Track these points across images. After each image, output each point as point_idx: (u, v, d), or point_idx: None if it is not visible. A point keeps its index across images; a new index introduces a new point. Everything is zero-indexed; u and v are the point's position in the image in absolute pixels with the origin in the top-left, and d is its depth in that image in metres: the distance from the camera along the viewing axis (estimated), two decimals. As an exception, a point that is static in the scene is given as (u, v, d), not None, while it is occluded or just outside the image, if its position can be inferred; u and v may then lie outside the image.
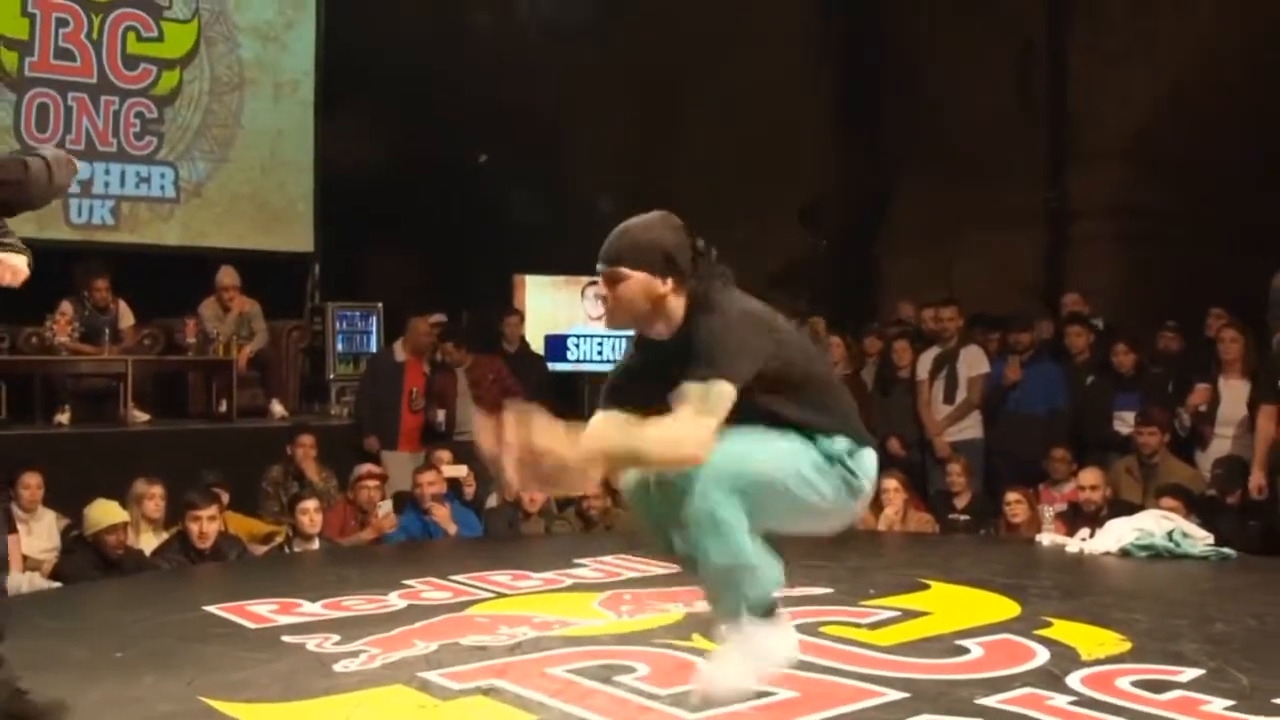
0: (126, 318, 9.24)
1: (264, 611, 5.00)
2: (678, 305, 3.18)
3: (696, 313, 3.15)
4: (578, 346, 10.36)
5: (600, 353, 10.42)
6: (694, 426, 2.92)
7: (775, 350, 3.12)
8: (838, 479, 3.23)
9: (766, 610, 3.17)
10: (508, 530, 7.43)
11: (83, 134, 10.03)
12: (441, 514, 7.33)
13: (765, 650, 3.17)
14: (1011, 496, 7.67)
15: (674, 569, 5.76)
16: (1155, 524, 6.57)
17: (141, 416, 9.02)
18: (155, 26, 10.37)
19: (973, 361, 8.68)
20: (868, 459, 3.30)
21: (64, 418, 8.71)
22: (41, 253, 9.69)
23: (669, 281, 3.15)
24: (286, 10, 10.99)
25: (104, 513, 6.34)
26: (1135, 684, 3.94)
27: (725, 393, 2.94)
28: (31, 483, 6.99)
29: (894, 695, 3.80)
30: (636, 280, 3.16)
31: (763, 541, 3.16)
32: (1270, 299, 8.40)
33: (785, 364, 3.14)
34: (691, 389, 2.93)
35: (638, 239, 3.22)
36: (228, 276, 9.68)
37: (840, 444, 3.23)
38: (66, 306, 8.85)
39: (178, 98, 10.50)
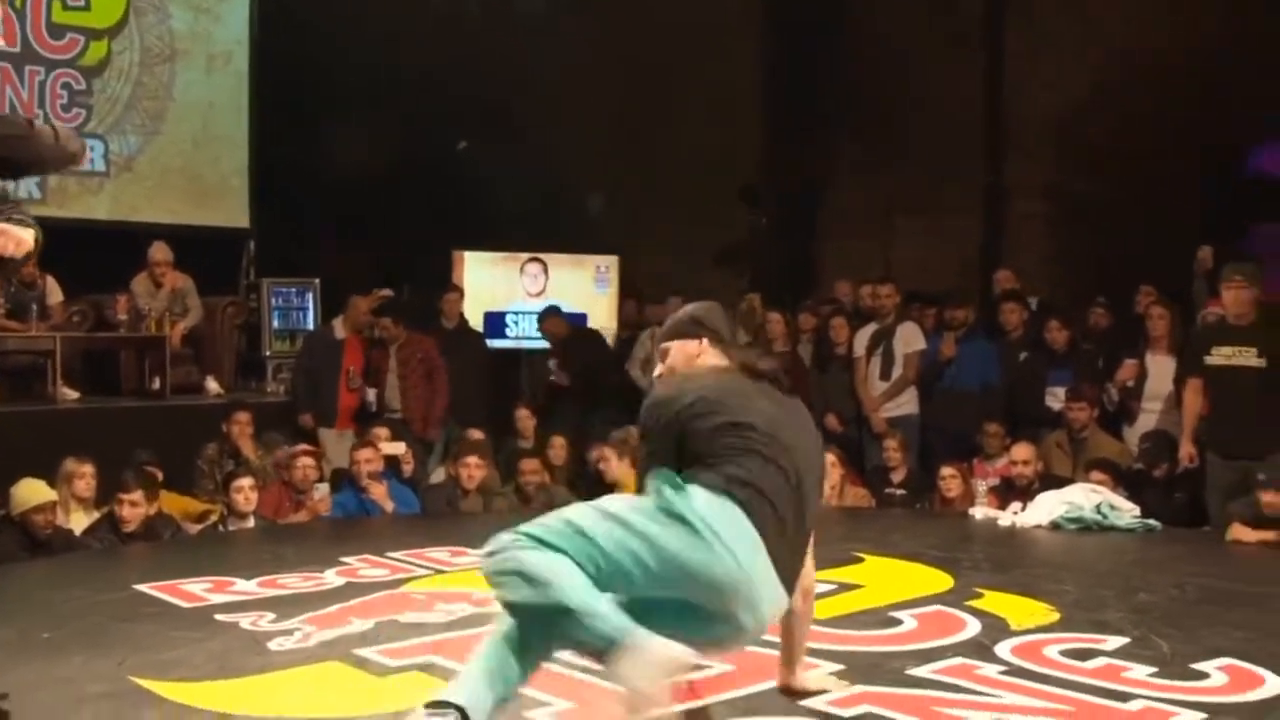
0: (55, 294, 9.08)
1: (197, 590, 4.95)
2: None
3: None
4: (516, 323, 10.35)
5: (539, 329, 10.40)
6: None
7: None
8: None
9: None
10: (445, 507, 7.40)
11: (6, 105, 9.78)
12: (379, 491, 7.28)
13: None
14: (946, 471, 7.75)
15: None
16: (1084, 497, 6.68)
17: (71, 394, 8.88)
18: (82, -6, 10.17)
19: (909, 338, 8.74)
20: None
21: (-11, 396, 8.58)
22: (-35, 228, 9.53)
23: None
24: (219, -22, 10.82)
25: (31, 492, 6.23)
26: (1063, 653, 4.01)
27: None
28: (-44, 462, 6.88)
29: (829, 666, 3.82)
30: None
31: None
32: (1195, 273, 8.57)
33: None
34: None
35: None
36: (160, 252, 9.53)
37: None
38: (-9, 282, 8.74)
39: (107, 69, 10.32)
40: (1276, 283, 9.14)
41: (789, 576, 3.07)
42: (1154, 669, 3.84)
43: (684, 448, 3.09)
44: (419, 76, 10.74)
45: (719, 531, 2.90)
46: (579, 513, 3.06)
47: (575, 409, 9.48)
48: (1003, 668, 3.85)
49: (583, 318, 10.47)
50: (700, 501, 2.95)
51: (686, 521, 2.91)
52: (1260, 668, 3.84)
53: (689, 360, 3.36)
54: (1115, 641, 4.14)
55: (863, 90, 12.08)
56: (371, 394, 8.75)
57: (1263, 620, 4.49)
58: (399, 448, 7.93)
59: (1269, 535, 5.97)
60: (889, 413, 8.66)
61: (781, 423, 3.17)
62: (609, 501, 3.13)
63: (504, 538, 3.02)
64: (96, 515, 6.69)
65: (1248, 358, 6.74)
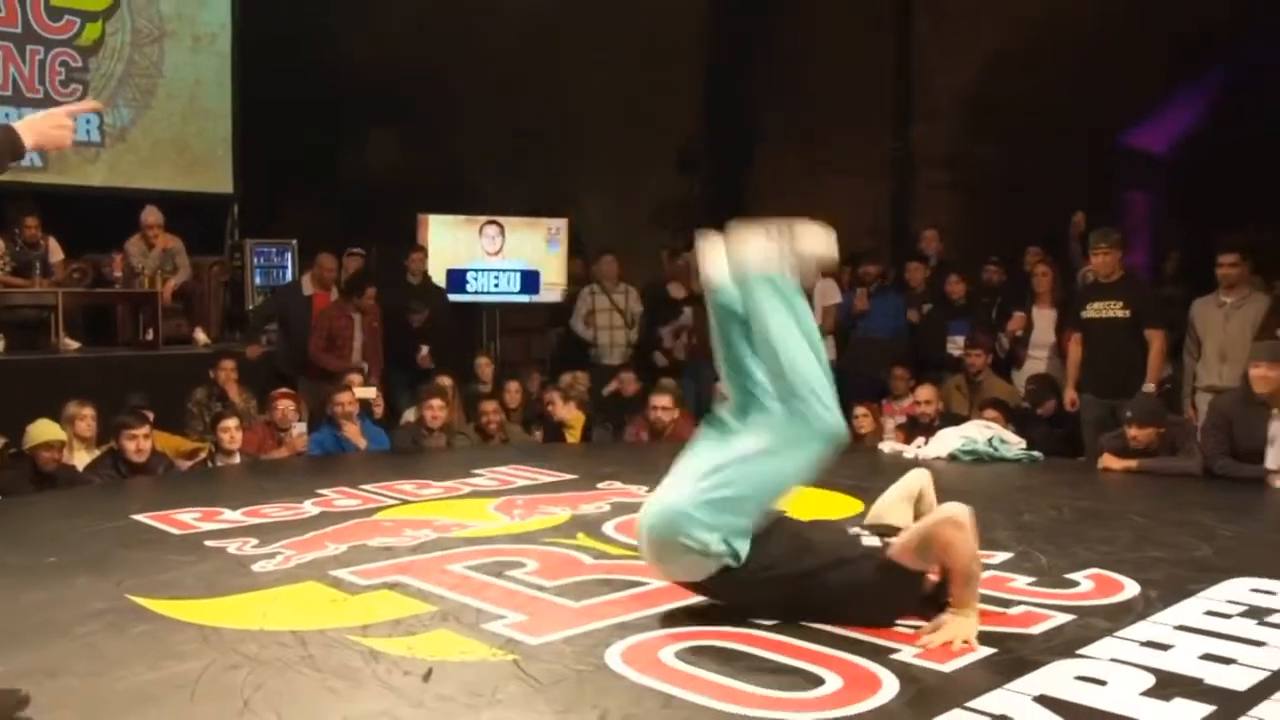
0: (56, 253, 9.02)
1: (188, 519, 4.91)
2: None
3: None
4: (475, 279, 10.28)
5: (496, 285, 10.35)
6: None
7: None
8: None
9: None
10: (412, 445, 7.39)
11: (10, 81, 9.68)
12: (353, 430, 7.26)
13: None
14: (859, 410, 7.81)
15: (562, 477, 5.85)
16: (978, 432, 6.78)
17: (72, 344, 8.79)
18: (77, -21, 9.96)
19: (826, 292, 8.80)
20: None
21: (-1, 346, 8.46)
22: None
23: None
24: (204, -34, 10.61)
25: (42, 430, 6.21)
26: (956, 568, 4.07)
27: None
28: (-32, 405, 6.80)
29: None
30: None
31: None
32: (1070, 236, 8.69)
33: None
34: None
35: None
36: (152, 215, 9.44)
37: None
38: (-1, 243, 8.63)
39: (101, 48, 10.13)
40: (1144, 243, 9.33)
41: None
42: (1034, 579, 3.92)
43: None
44: (383, 55, 10.60)
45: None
46: None
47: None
48: (904, 580, 3.90)
49: (536, 274, 10.43)
50: None
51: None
52: (1121, 575, 3.93)
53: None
54: (1002, 556, 4.21)
55: (788, 66, 12.05)
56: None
57: (1124, 536, 4.58)
58: (370, 392, 7.90)
59: (1132, 464, 6.09)
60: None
61: None
62: None
63: None
64: (97, 453, 6.64)
65: (1115, 310, 6.90)
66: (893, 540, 3.37)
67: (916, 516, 3.65)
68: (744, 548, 3.28)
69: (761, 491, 3.32)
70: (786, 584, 3.31)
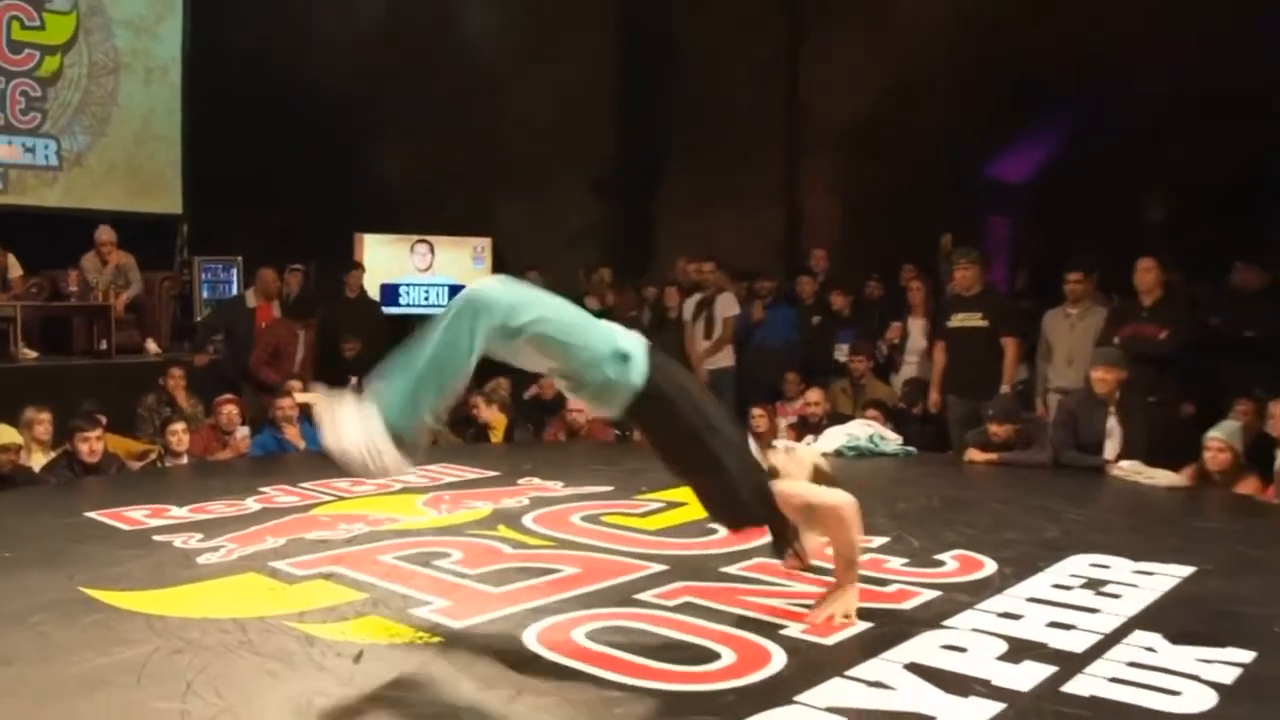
0: (15, 269, 8.77)
1: (138, 516, 4.77)
2: None
3: None
4: (408, 293, 10.19)
5: (426, 298, 10.26)
6: None
7: None
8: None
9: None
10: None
11: (-28, 112, 9.35)
12: (293, 432, 7.12)
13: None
14: (756, 411, 7.84)
15: (485, 474, 5.81)
16: (861, 430, 6.84)
17: (30, 354, 8.52)
18: (38, 16, 9.71)
19: (726, 305, 8.85)
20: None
21: (-41, 355, 8.17)
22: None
23: None
24: (157, 6, 10.41)
25: (0, 433, 5.98)
26: (838, 551, 4.12)
27: None
28: (-70, 410, 6.55)
29: (658, 568, 3.88)
30: None
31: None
32: (939, 254, 8.87)
33: None
34: None
35: None
36: (106, 234, 9.21)
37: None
38: (-40, 260, 8.36)
39: (59, 79, 9.85)
40: (1003, 261, 9.56)
41: None
42: (906, 560, 3.99)
43: None
44: (321, 86, 10.46)
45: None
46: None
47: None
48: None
49: (462, 289, 10.34)
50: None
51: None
52: (981, 555, 4.03)
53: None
54: (879, 540, 4.27)
55: (690, 100, 12.13)
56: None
57: (985, 521, 4.68)
58: (311, 397, 7.75)
59: (993, 456, 6.22)
60: (711, 366, 8.76)
61: None
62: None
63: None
64: (53, 454, 6.43)
65: (975, 320, 7.07)
66: (782, 480, 3.24)
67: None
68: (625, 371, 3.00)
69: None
70: (688, 425, 3.08)
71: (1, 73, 9.51)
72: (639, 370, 3.02)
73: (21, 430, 6.32)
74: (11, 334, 8.42)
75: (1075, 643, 3.04)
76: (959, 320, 7.16)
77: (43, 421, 6.58)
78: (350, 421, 2.72)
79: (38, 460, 6.37)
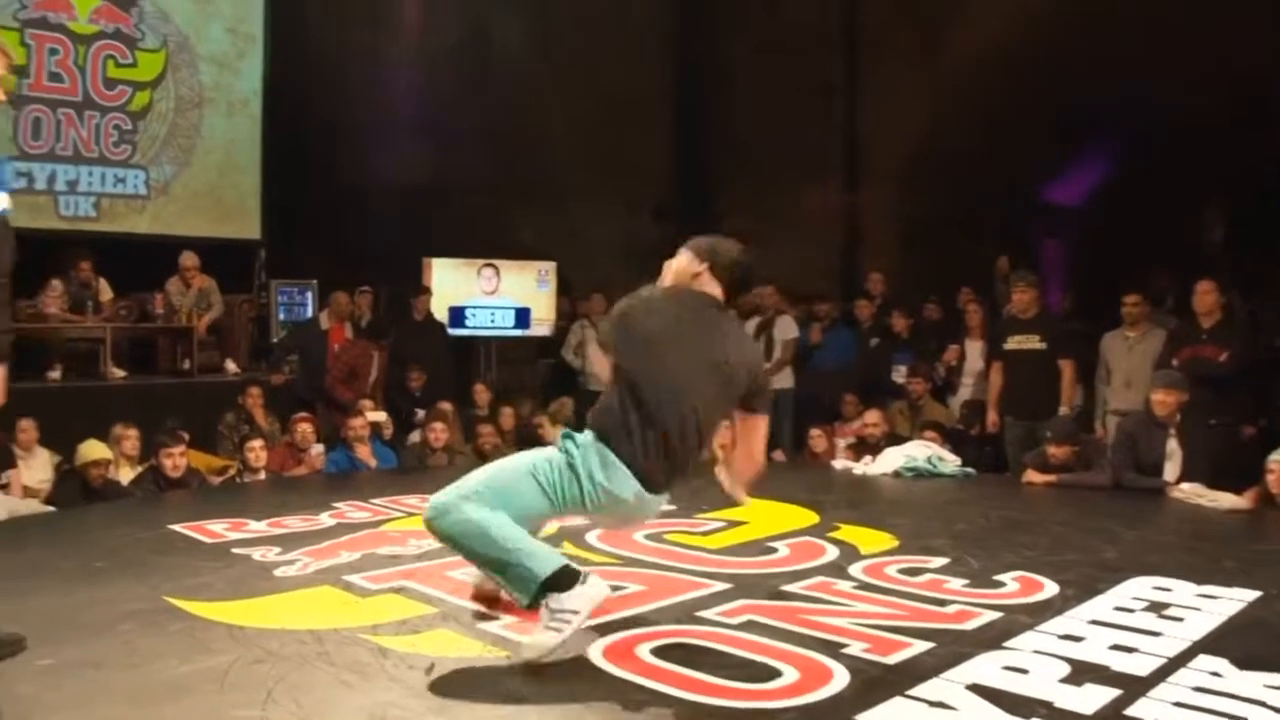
0: (106, 293, 9.00)
1: (218, 529, 4.88)
2: None
3: None
4: (474, 315, 10.28)
5: (492, 320, 10.34)
6: None
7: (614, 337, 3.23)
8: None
9: (557, 583, 2.95)
10: (418, 463, 7.35)
11: (70, 142, 9.65)
12: (364, 451, 7.22)
13: (565, 613, 2.95)
14: (814, 432, 7.83)
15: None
16: (919, 451, 6.79)
17: (119, 373, 8.74)
18: (130, 55, 9.99)
19: (785, 328, 8.82)
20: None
21: (55, 374, 8.42)
22: (37, 240, 9.45)
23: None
24: (239, 42, 10.62)
25: (91, 449, 6.19)
26: (899, 571, 4.09)
27: None
28: (27, 426, 6.84)
29: (720, 585, 3.86)
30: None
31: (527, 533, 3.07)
32: (995, 277, 8.76)
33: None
34: None
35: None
36: (189, 259, 9.41)
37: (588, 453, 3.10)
38: (56, 283, 8.68)
39: (149, 113, 10.11)
40: (1058, 284, 9.41)
41: (674, 472, 3.17)
42: (967, 580, 3.92)
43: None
44: (395, 114, 10.65)
45: (596, 478, 3.06)
46: (502, 473, 3.15)
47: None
48: (855, 583, 3.91)
49: (527, 311, 10.44)
50: (590, 456, 3.07)
51: (578, 475, 3.07)
52: (1042, 576, 3.95)
53: (683, 275, 3.31)
54: (938, 561, 4.23)
55: (749, 127, 12.13)
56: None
57: (1044, 542, 4.60)
58: (381, 416, 7.86)
59: (1051, 478, 6.12)
60: (770, 387, 8.71)
61: (672, 345, 3.11)
62: (524, 459, 3.19)
63: (442, 499, 3.11)
64: (139, 469, 6.59)
65: (1033, 343, 6.96)
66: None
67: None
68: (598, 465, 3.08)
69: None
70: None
71: (96, 108, 9.81)
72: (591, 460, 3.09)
73: (110, 446, 6.48)
74: (102, 354, 8.66)
75: (1138, 666, 2.97)
76: (1016, 342, 7.06)
77: (130, 438, 6.75)
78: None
79: (125, 475, 6.53)
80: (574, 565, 2.98)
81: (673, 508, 5.30)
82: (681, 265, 3.30)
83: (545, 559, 2.97)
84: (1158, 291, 8.12)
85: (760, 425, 3.43)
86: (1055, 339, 7.00)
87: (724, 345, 3.23)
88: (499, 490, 3.08)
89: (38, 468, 6.78)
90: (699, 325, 3.21)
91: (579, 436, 3.15)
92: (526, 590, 2.96)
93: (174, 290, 9.30)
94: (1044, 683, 2.83)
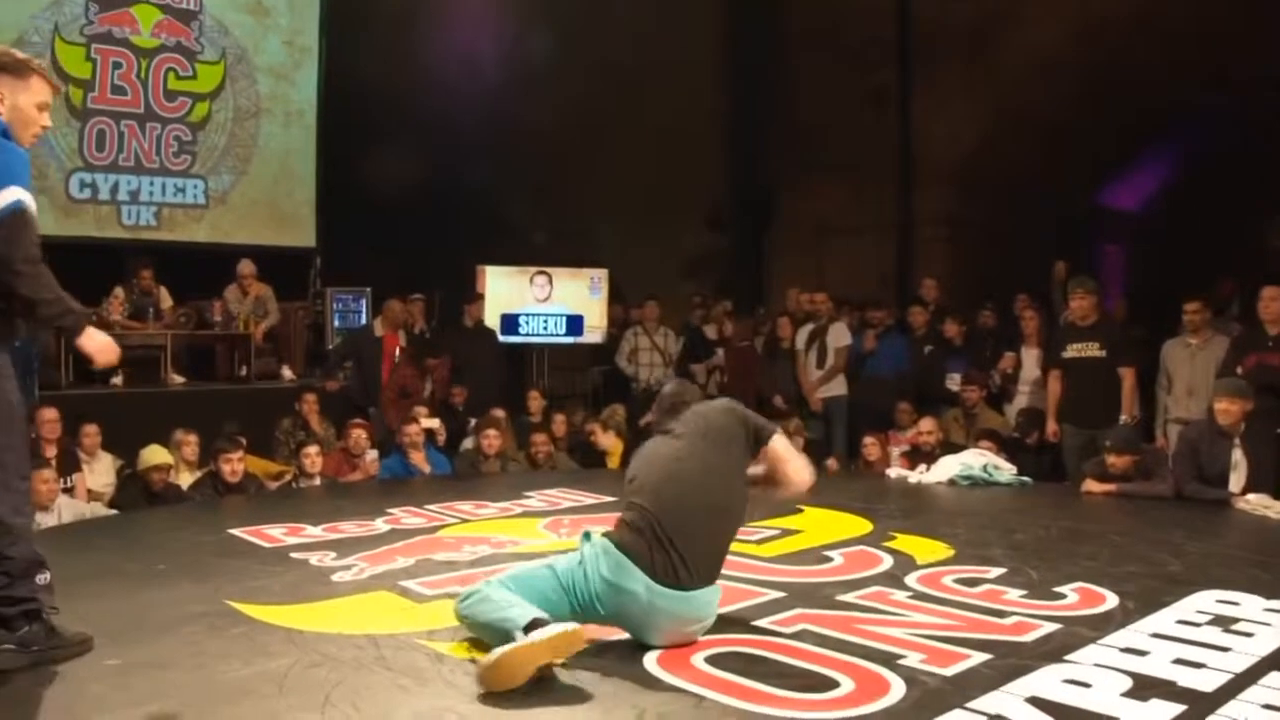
0: (166, 300, 9.18)
1: (276, 534, 4.96)
2: None
3: None
4: (527, 323, 10.33)
5: (545, 327, 10.40)
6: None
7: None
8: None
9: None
10: (471, 470, 7.40)
11: (132, 153, 9.88)
12: (419, 457, 7.29)
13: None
14: (868, 439, 7.77)
15: (603, 499, 5.84)
16: (974, 459, 6.70)
17: (178, 379, 8.92)
18: (190, 67, 10.20)
19: (838, 335, 8.77)
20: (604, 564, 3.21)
21: (118, 380, 8.59)
22: (99, 249, 9.61)
23: None
24: (295, 54, 10.80)
25: (153, 454, 6.31)
26: (956, 581, 4.04)
27: None
28: (90, 431, 6.97)
29: (775, 594, 3.85)
30: None
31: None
32: (1052, 284, 8.64)
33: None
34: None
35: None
36: (247, 267, 9.58)
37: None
38: (119, 291, 8.89)
39: (208, 124, 10.32)
40: (1116, 289, 9.26)
41: (688, 565, 3.21)
42: (1025, 591, 3.87)
43: None
44: (448, 124, 10.76)
45: (609, 579, 3.17)
46: (526, 565, 3.38)
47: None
48: (910, 593, 3.87)
49: (580, 318, 10.47)
50: (601, 562, 3.20)
51: (585, 568, 3.21)
52: (1103, 588, 3.89)
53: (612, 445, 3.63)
54: (996, 571, 4.18)
55: (801, 135, 12.11)
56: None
57: (1105, 553, 4.53)
58: (435, 422, 7.93)
59: (1111, 487, 6.01)
60: (823, 394, 8.69)
61: (665, 473, 3.32)
62: (550, 563, 3.34)
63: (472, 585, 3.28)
64: (199, 474, 6.71)
65: (1092, 350, 6.84)
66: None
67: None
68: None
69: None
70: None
71: (157, 119, 10.02)
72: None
73: (171, 451, 6.61)
74: (162, 361, 8.83)
75: (1205, 682, 2.91)
76: (1075, 350, 6.95)
77: (190, 443, 6.88)
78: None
79: (185, 479, 6.66)
80: (547, 618, 2.97)
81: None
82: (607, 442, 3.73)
83: (526, 610, 3.01)
84: (1221, 299, 7.97)
85: (777, 447, 3.51)
86: (1115, 346, 6.88)
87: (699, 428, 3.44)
88: (519, 578, 3.24)
89: (101, 472, 6.93)
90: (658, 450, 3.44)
91: (595, 538, 3.30)
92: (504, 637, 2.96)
93: (231, 298, 9.46)
94: (1107, 697, 2.79)
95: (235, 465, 6.34)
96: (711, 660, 3.07)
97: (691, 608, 3.22)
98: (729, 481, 3.38)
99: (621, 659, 3.10)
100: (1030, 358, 7.90)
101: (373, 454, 7.37)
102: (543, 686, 2.85)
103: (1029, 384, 7.85)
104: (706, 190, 12.71)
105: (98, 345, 3.15)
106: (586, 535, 3.36)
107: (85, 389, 8.33)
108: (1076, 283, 7.09)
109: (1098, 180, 10.08)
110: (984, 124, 10.49)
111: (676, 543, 3.21)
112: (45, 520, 5.50)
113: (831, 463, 8.01)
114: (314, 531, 5.03)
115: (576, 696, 2.80)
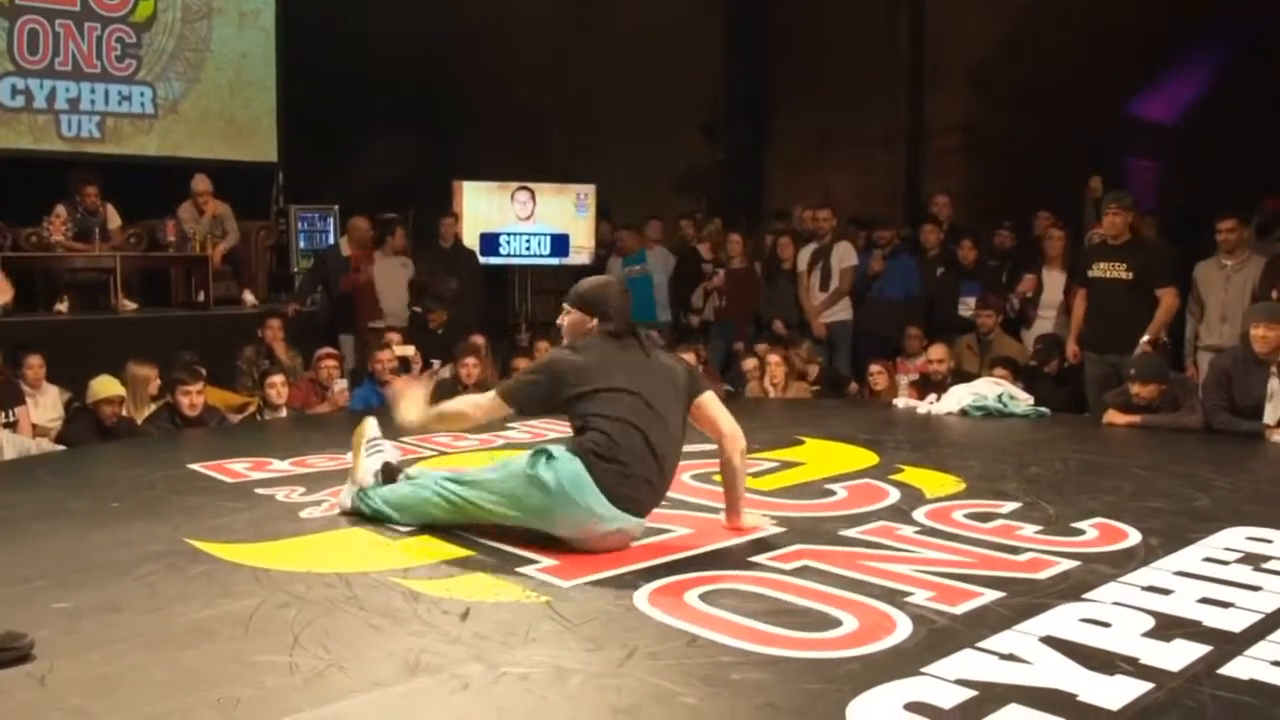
0: (114, 219, 9.07)
1: (240, 469, 4.96)
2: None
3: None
4: (508, 243, 10.26)
5: (528, 248, 10.33)
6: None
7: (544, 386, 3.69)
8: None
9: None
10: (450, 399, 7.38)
11: (69, 56, 9.68)
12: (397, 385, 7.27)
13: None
14: (874, 368, 7.80)
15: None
16: (988, 389, 6.74)
17: (130, 305, 8.85)
18: (130, -41, 9.96)
19: (843, 255, 8.73)
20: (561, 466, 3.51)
21: (63, 307, 8.56)
22: (37, 162, 9.44)
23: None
24: (248, -55, 10.58)
25: (104, 386, 6.27)
26: (967, 516, 4.07)
27: (492, 397, 3.82)
28: (34, 362, 6.90)
29: (774, 529, 3.87)
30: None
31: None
32: (1085, 200, 8.57)
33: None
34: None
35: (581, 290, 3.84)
36: (202, 183, 9.48)
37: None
38: (61, 209, 8.75)
39: (153, 24, 10.12)
40: (1149, 206, 9.19)
41: (646, 493, 3.59)
42: (1041, 527, 3.90)
43: (555, 400, 3.67)
44: (418, 28, 10.56)
45: (568, 490, 3.46)
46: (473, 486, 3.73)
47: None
48: (918, 528, 3.90)
49: (565, 238, 10.40)
50: (560, 469, 3.48)
51: (545, 486, 3.49)
52: (1124, 524, 3.92)
53: (579, 330, 3.79)
54: (1010, 506, 4.21)
55: (804, 33, 11.92)
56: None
57: (1128, 487, 4.56)
58: (409, 350, 7.91)
59: (1136, 419, 6.04)
60: (827, 319, 8.68)
61: (633, 378, 3.59)
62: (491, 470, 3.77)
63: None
64: (153, 407, 6.69)
65: (1119, 271, 6.79)
66: None
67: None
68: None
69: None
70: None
71: (96, 19, 9.80)
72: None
73: (132, 386, 6.58)
74: (112, 285, 8.76)
75: (1233, 622, 2.94)
76: (1101, 270, 6.88)
77: (150, 378, 6.77)
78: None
79: (139, 412, 6.63)
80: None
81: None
82: (573, 321, 3.81)
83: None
84: (1264, 219, 7.92)
85: (711, 401, 3.83)
86: (1144, 269, 6.78)
87: (648, 368, 3.69)
88: (460, 472, 3.76)
89: (47, 405, 6.89)
90: (624, 361, 3.67)
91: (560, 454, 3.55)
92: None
93: (186, 217, 9.37)
94: (1127, 637, 2.82)
95: (194, 397, 6.32)
96: (705, 598, 3.09)
97: (636, 525, 3.62)
98: (682, 432, 3.76)
99: (608, 595, 3.12)
100: (1053, 281, 7.88)
101: (342, 384, 7.37)
102: (528, 625, 2.87)
103: (1051, 309, 7.84)
104: (700, 97, 12.54)
105: None
106: (546, 454, 3.55)
107: (27, 316, 8.27)
108: (1112, 197, 7.00)
109: (1129, 88, 9.95)
110: (1004, 22, 10.32)
111: (653, 481, 3.58)
112: (-13, 457, 5.50)
113: (854, 388, 8.08)
114: (280, 466, 5.03)
115: (563, 636, 2.82)
